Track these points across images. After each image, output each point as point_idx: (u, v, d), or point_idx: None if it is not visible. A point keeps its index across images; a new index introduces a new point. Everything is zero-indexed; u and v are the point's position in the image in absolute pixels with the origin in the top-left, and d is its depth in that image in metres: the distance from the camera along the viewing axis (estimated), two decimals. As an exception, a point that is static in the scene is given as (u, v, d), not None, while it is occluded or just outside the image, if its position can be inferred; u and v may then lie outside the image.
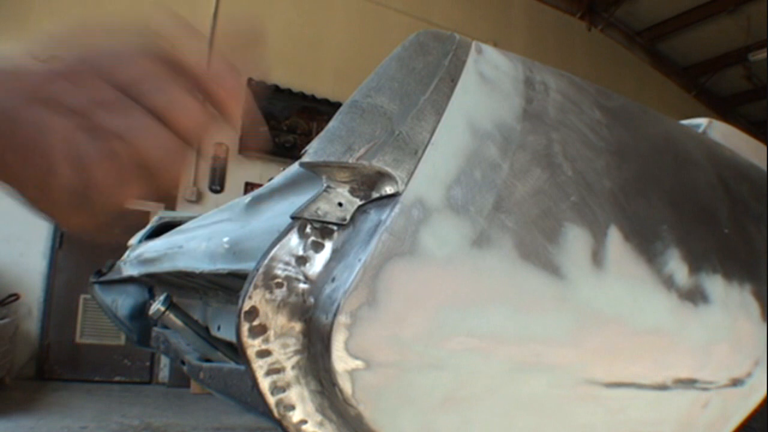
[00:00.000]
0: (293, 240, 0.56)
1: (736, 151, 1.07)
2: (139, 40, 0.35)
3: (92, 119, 0.32)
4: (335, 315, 0.52)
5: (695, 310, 0.74)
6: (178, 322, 1.36)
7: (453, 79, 0.64)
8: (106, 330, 4.34)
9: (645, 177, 0.76)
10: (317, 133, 0.64)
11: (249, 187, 5.08)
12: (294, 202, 0.70)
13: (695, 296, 0.74)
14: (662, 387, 0.74)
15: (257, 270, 0.55)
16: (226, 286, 1.11)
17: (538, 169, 0.64)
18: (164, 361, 4.59)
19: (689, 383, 0.77)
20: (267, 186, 0.98)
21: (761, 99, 7.95)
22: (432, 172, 0.58)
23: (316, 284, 0.56)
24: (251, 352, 0.54)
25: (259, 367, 0.55)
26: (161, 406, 3.83)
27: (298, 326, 0.55)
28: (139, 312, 1.92)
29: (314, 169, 0.58)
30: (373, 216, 0.57)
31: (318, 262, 0.57)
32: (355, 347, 0.53)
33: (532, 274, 0.60)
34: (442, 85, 0.63)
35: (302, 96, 5.46)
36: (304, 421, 0.57)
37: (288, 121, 5.42)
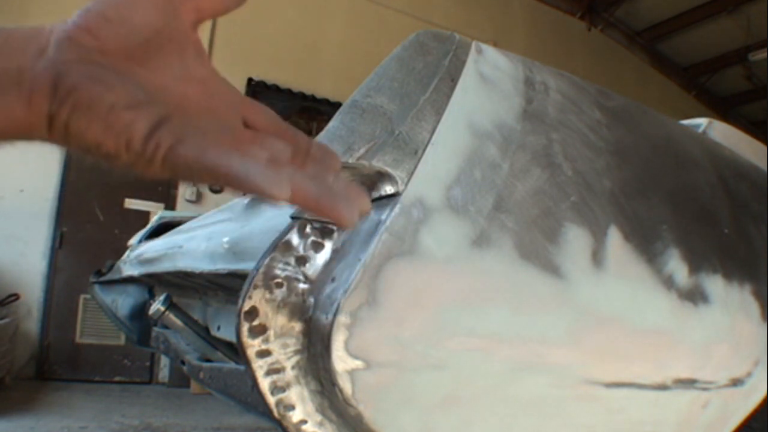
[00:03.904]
0: (293, 240, 0.56)
1: (736, 151, 1.07)
2: None
3: None
4: (335, 315, 0.52)
5: (695, 310, 0.74)
6: (178, 322, 1.36)
7: (453, 79, 0.64)
8: (106, 330, 4.34)
9: (645, 177, 0.76)
10: (317, 133, 0.64)
11: (249, 187, 5.06)
12: (294, 202, 0.70)
13: (695, 296, 0.74)
14: (662, 387, 0.74)
15: (257, 270, 0.55)
16: (226, 286, 1.11)
17: (538, 169, 0.64)
18: (164, 361, 4.58)
19: (689, 383, 0.76)
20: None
21: (761, 99, 7.94)
22: (432, 172, 0.58)
23: (316, 284, 0.56)
24: (251, 352, 0.54)
25: (259, 367, 0.55)
26: (161, 406, 3.83)
27: (298, 326, 0.55)
28: (139, 312, 1.92)
29: (314, 169, 0.58)
30: (373, 216, 0.57)
31: (318, 262, 0.57)
32: (355, 347, 0.53)
33: (532, 274, 0.60)
34: (442, 85, 0.63)
35: (302, 96, 5.46)
36: (304, 421, 0.57)
37: (288, 121, 5.40)
